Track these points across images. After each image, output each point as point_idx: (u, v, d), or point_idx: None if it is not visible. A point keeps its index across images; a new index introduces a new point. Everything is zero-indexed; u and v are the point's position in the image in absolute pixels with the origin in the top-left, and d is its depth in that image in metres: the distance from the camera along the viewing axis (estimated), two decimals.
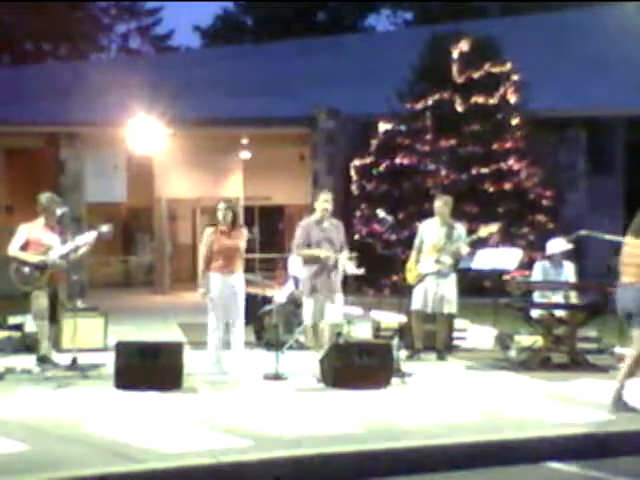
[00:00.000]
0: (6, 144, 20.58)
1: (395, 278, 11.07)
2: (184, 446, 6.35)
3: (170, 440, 6.51)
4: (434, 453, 6.58)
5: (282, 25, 38.81)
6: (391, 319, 11.27)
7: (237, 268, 9.68)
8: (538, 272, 10.45)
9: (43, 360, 9.49)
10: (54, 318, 9.75)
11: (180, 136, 19.15)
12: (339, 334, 10.19)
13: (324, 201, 9.92)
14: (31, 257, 9.41)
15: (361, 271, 10.82)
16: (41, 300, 9.42)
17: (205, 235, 9.76)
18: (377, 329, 11.59)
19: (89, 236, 9.58)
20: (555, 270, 10.42)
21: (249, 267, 20.99)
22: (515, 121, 18.72)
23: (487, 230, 10.93)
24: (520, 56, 19.10)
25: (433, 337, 10.72)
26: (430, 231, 10.73)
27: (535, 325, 10.28)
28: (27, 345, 10.44)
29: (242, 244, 9.72)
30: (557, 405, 7.88)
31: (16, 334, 10.45)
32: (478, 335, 11.83)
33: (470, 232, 10.95)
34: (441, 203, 10.73)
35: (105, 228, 9.56)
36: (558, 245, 10.46)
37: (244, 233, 9.82)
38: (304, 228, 9.94)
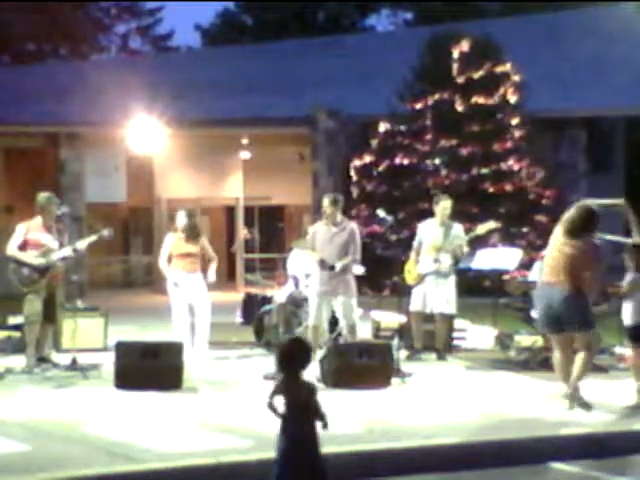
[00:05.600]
0: (6, 144, 20.55)
1: (395, 278, 11.04)
2: (184, 446, 6.36)
3: (170, 440, 6.52)
4: (434, 453, 6.59)
5: (282, 25, 38.76)
6: (391, 319, 11.26)
7: (197, 269, 10.38)
8: (535, 272, 10.43)
9: (43, 359, 9.50)
10: (52, 319, 9.75)
11: (180, 136, 19.13)
12: (339, 334, 10.19)
13: (325, 206, 10.07)
14: (32, 258, 9.39)
15: (362, 271, 10.82)
16: (35, 304, 9.39)
17: (165, 239, 10.56)
18: (377, 329, 11.59)
19: (90, 240, 9.64)
20: None
21: (249, 267, 21.23)
22: (515, 121, 18.70)
23: (485, 227, 10.98)
24: (520, 56, 19.08)
25: (433, 337, 10.73)
26: (428, 231, 10.75)
27: (535, 325, 10.27)
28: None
29: (198, 249, 10.42)
30: (557, 405, 7.88)
31: (16, 334, 10.43)
32: (478, 335, 11.82)
33: (468, 231, 10.97)
34: (443, 205, 10.72)
35: (106, 232, 9.68)
36: None
37: (199, 240, 10.47)
38: (312, 231, 10.20)
